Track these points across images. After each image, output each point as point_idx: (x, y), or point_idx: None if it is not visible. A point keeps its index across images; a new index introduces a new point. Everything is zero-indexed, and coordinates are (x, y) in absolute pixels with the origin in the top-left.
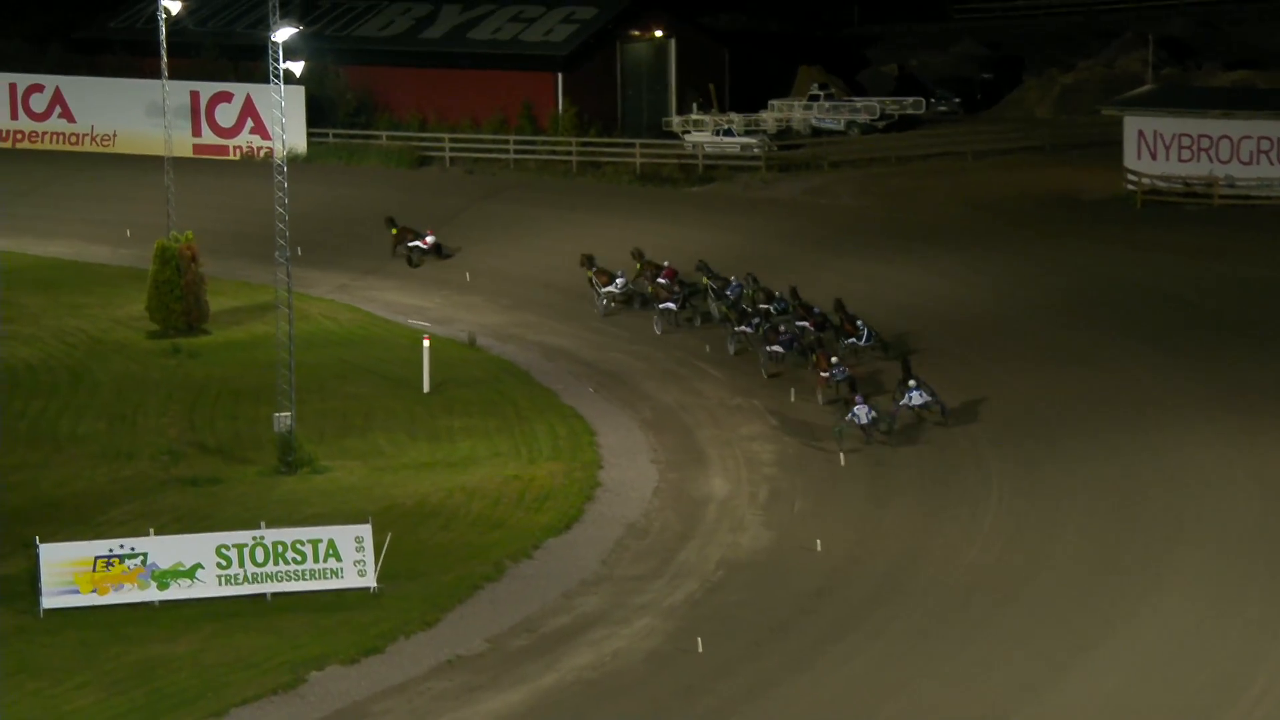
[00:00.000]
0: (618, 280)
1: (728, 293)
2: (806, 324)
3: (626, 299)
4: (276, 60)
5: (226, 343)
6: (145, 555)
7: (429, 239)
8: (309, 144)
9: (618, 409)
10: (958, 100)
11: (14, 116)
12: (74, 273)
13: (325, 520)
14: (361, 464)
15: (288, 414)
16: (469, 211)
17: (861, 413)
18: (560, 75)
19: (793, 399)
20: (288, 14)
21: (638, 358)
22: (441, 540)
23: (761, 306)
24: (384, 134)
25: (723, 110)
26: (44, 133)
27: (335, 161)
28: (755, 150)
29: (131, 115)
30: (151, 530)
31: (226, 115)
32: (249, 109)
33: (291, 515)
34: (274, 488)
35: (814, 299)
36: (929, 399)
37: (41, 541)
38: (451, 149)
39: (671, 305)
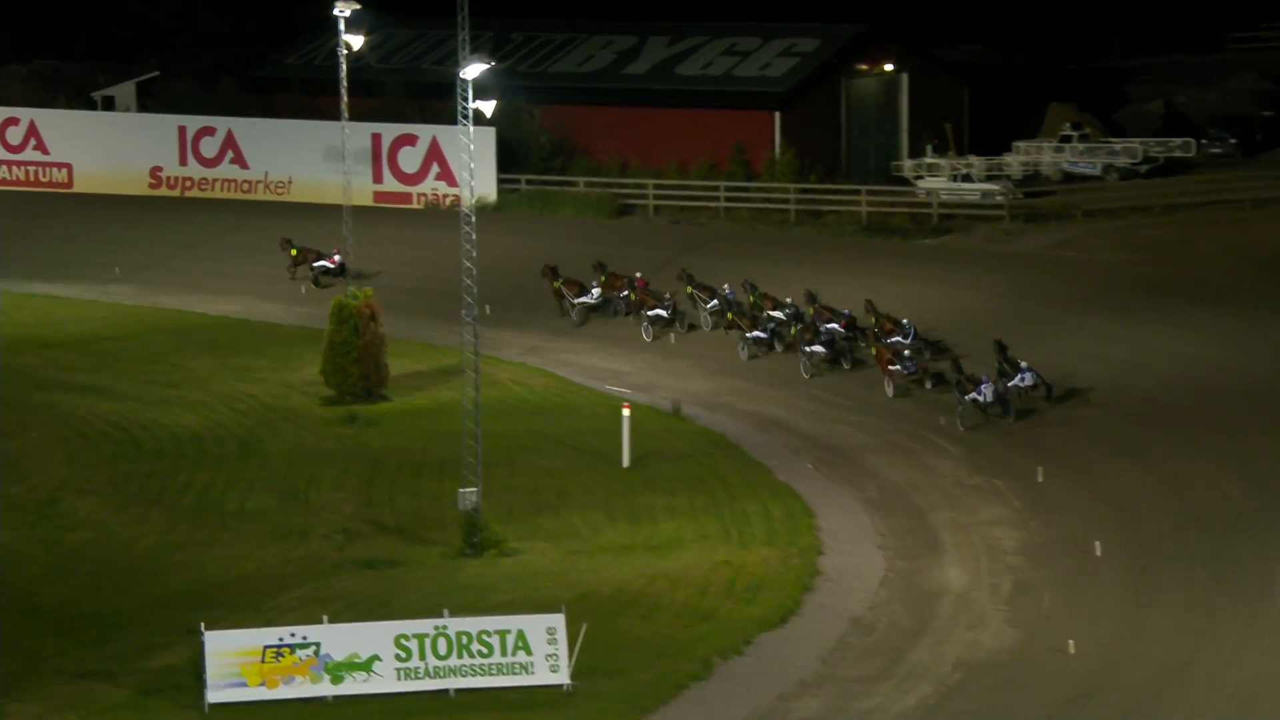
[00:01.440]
0: (593, 290)
1: (715, 301)
2: (835, 325)
3: (601, 308)
4: (465, 99)
5: (407, 410)
6: (318, 645)
7: (336, 258)
8: (499, 191)
9: (840, 487)
10: (1234, 141)
11: (183, 162)
12: (244, 333)
13: (514, 609)
14: (554, 546)
15: (474, 490)
16: (674, 265)
17: (988, 391)
18: (778, 114)
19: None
20: (478, 49)
21: (861, 429)
22: (642, 633)
23: (773, 313)
24: (581, 180)
25: (961, 153)
26: (215, 180)
27: (527, 211)
28: (998, 198)
29: (308, 160)
30: (325, 617)
31: (410, 160)
32: (434, 153)
33: (477, 602)
34: (458, 571)
35: (1058, 364)
36: (1038, 380)
37: (207, 629)
38: (656, 196)
39: (662, 312)
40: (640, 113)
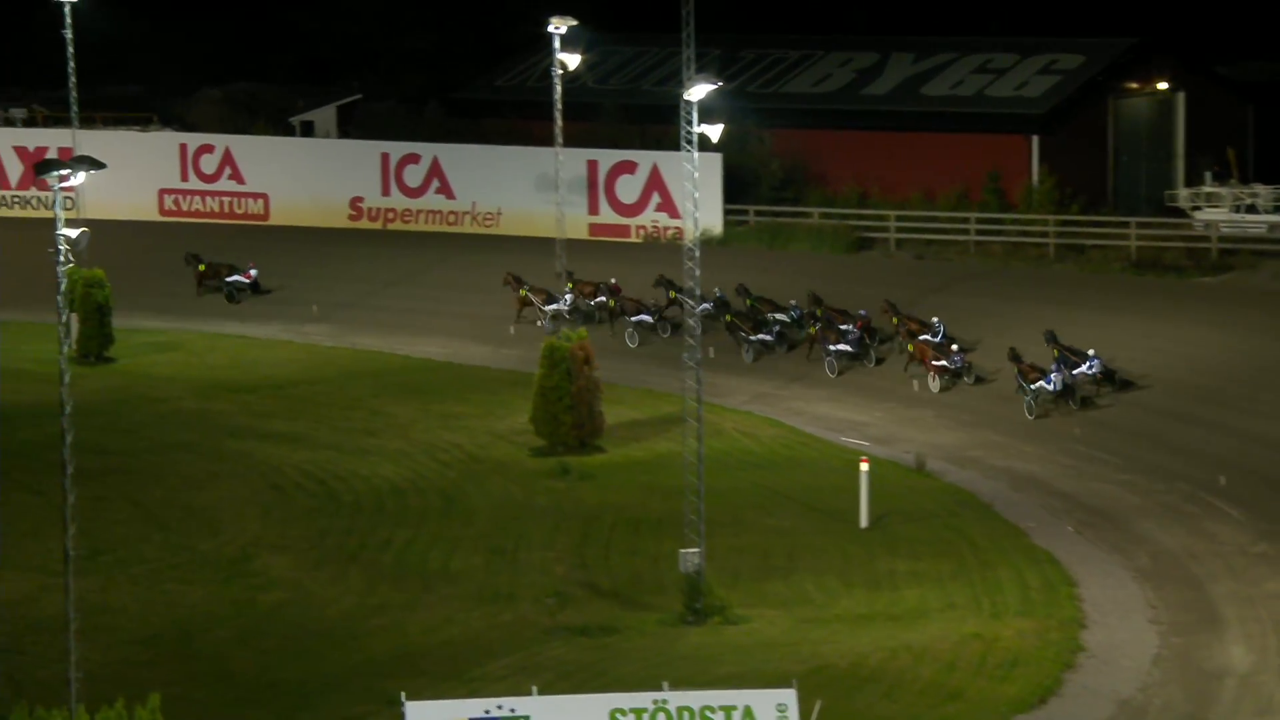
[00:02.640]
0: (565, 297)
1: (707, 305)
2: (850, 327)
3: (571, 316)
4: (689, 123)
5: (624, 462)
6: (527, 718)
7: (252, 273)
8: (725, 223)
9: (1104, 554)
10: None
11: (386, 192)
12: (449, 377)
13: (740, 682)
14: (784, 614)
15: (696, 551)
16: (919, 306)
17: (1056, 379)
18: (1036, 138)
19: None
20: (704, 68)
21: (1129, 488)
22: (883, 712)
23: (779, 316)
24: (815, 211)
25: (1245, 181)
26: (419, 211)
27: (756, 245)
28: None
29: (519, 189)
30: (535, 689)
31: (629, 189)
32: (655, 182)
33: (700, 675)
34: (679, 640)
35: None
36: (1104, 369)
37: (408, 699)
38: (898, 229)
39: (647, 318)
40: (881, 137)
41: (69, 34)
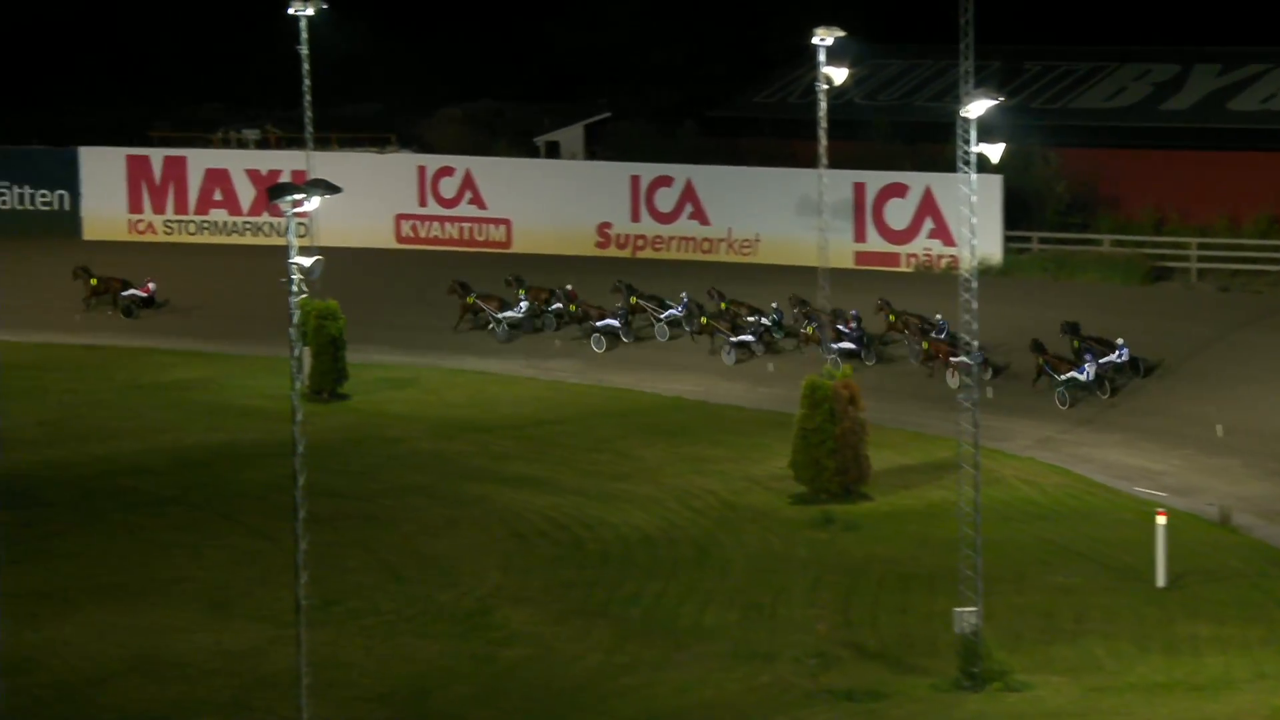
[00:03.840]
0: (521, 304)
1: (676, 310)
2: (850, 326)
3: (526, 324)
4: (967, 142)
5: (892, 512)
6: None
7: (150, 286)
8: (1005, 251)
9: None
10: None
11: (635, 217)
12: (701, 417)
13: None
14: (1071, 681)
15: (973, 610)
16: (1222, 343)
17: (1090, 369)
18: None
19: None
20: (983, 82)
21: None
22: None
23: (763, 320)
24: (1106, 239)
25: None
26: (670, 237)
27: (1039, 275)
28: None
29: (778, 214)
30: None
31: (899, 213)
32: (928, 206)
33: None
34: (954, 707)
35: None
36: (1132, 357)
37: None
38: (1200, 258)
39: (614, 322)
40: (1182, 156)
41: (304, 49)
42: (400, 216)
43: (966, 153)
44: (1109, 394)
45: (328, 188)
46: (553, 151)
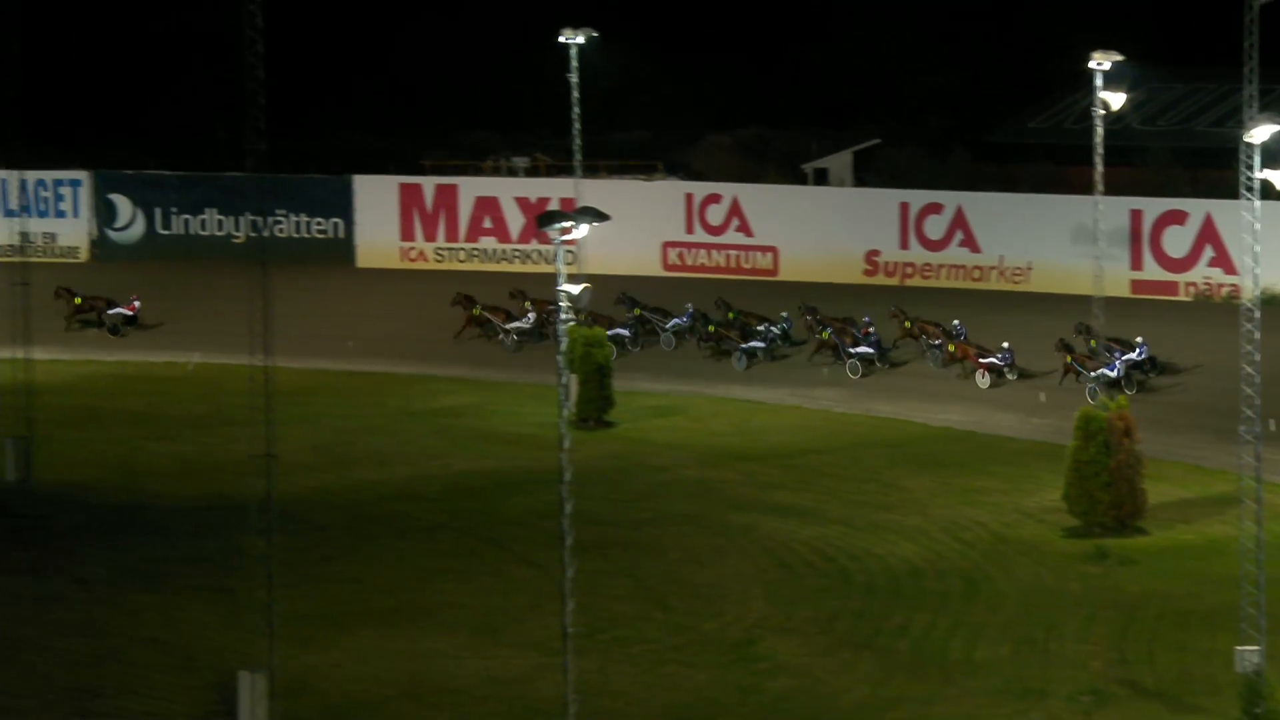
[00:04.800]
0: (529, 315)
1: (681, 320)
2: (866, 332)
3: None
4: (1250, 168)
5: (1170, 546)
6: None
7: (135, 304)
8: None
9: None
10: None
11: (904, 245)
12: (970, 447)
13: None
14: None
15: (1256, 649)
16: None
17: (1121, 366)
18: None
19: None
20: (1268, 106)
21: None
22: None
23: (771, 329)
24: None
25: None
26: (940, 265)
27: None
28: None
29: (1052, 242)
30: None
31: (1178, 241)
32: (1208, 233)
33: None
34: None
35: None
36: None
37: None
38: None
39: (624, 331)
40: None
41: (574, 77)
42: (667, 244)
43: (1250, 179)
44: (1135, 389)
45: (596, 215)
46: (821, 178)
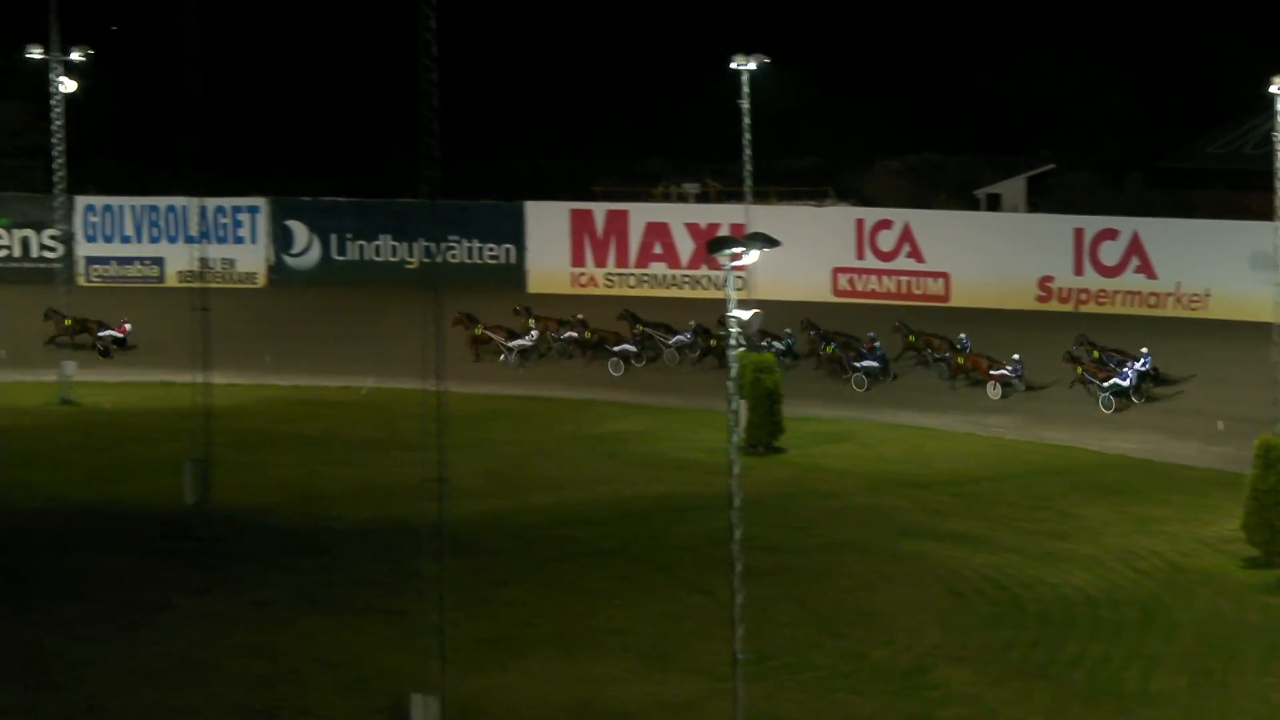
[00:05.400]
0: (531, 333)
1: (684, 336)
2: (871, 346)
3: (534, 351)
4: None
5: None
6: None
7: (126, 327)
8: None
9: None
10: None
11: (1079, 271)
12: (1147, 476)
13: None
14: None
15: None
16: None
17: (1133, 375)
18: None
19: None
20: None
21: None
22: None
23: (777, 344)
24: None
25: None
26: (1115, 292)
27: None
28: None
29: (1231, 269)
30: None
31: None
32: None
33: None
34: None
35: None
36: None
37: None
38: None
39: (631, 347)
40: None
41: (745, 104)
42: (838, 270)
43: None
44: (1145, 399)
45: (766, 241)
46: (993, 204)
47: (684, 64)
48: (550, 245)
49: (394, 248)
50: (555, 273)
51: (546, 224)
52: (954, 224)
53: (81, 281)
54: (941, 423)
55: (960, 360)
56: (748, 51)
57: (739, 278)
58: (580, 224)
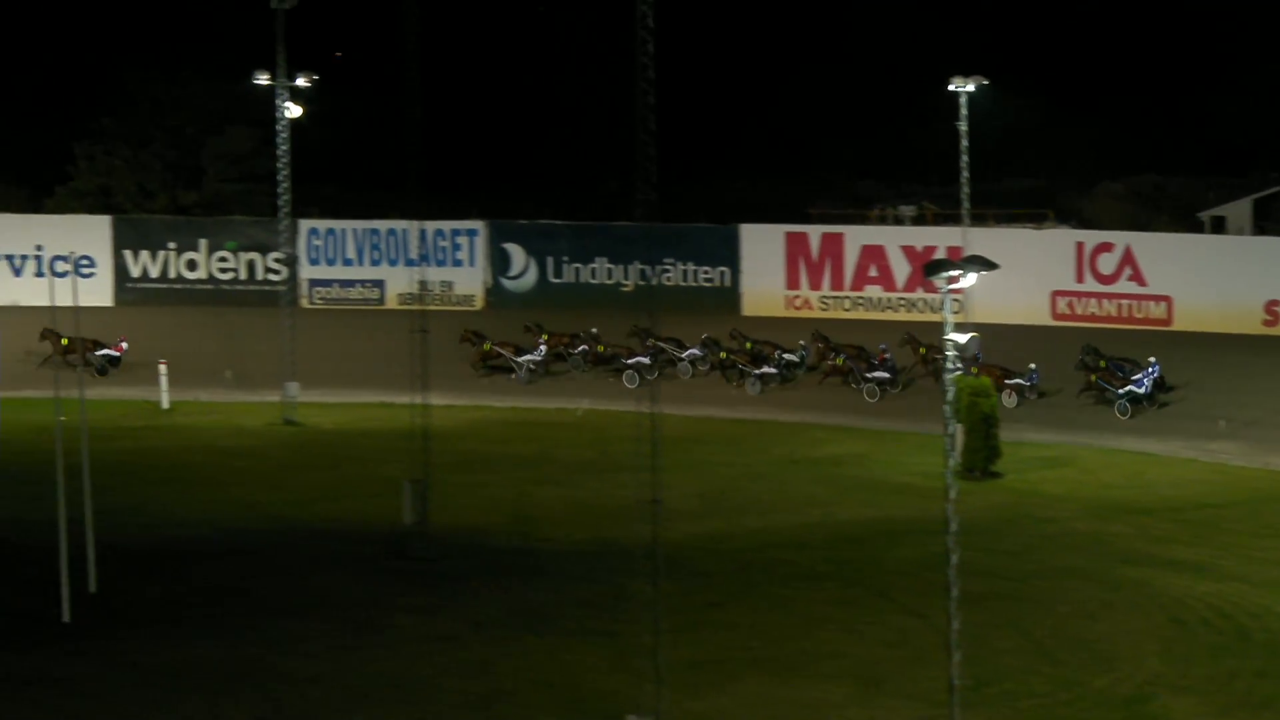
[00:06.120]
0: (540, 349)
1: (696, 350)
2: (882, 358)
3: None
4: None
5: None
6: None
7: (123, 345)
8: None
9: None
10: None
11: None
12: None
13: None
14: None
15: None
16: None
17: (1148, 382)
18: None
19: None
20: None
21: None
22: None
23: (787, 356)
24: None
25: None
26: None
27: None
28: None
29: None
30: None
31: None
32: None
33: None
34: None
35: None
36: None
37: None
38: None
39: (645, 360)
40: None
41: (963, 126)
42: (1056, 293)
43: None
44: (1158, 406)
45: (984, 264)
46: (1218, 227)
47: (901, 86)
48: (765, 268)
49: (609, 270)
50: (770, 295)
51: (761, 247)
52: (1178, 247)
53: (305, 304)
54: (1163, 448)
55: (974, 370)
56: (966, 73)
57: (956, 301)
58: (795, 247)
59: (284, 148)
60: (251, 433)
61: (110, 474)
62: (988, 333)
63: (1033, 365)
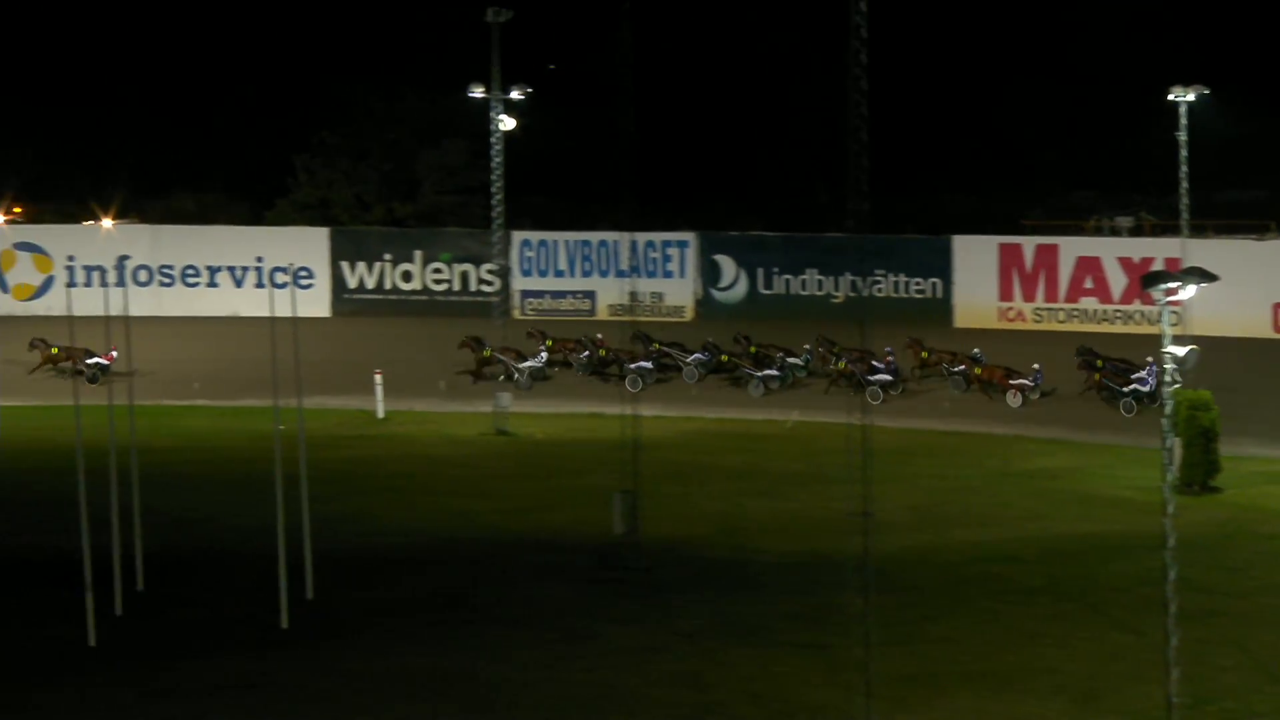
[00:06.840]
0: (542, 354)
1: (702, 355)
2: (884, 361)
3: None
4: None
5: None
6: None
7: (113, 354)
8: None
9: None
10: None
11: None
12: None
13: None
14: None
15: None
16: None
17: (1152, 380)
18: None
19: None
20: None
21: None
22: None
23: (792, 360)
24: None
25: None
26: None
27: None
28: None
29: None
30: None
31: None
32: None
33: None
34: None
35: None
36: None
37: None
38: None
39: (647, 365)
40: None
41: (1183, 135)
42: (1278, 305)
43: None
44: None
45: (1204, 276)
46: None
47: (1118, 95)
48: (978, 280)
49: (820, 281)
50: (982, 307)
51: (974, 258)
52: None
53: (516, 314)
54: None
55: (977, 371)
56: (1186, 83)
57: (1174, 313)
58: (1009, 258)
59: (498, 160)
60: (464, 442)
61: (325, 483)
62: (1206, 345)
63: (1036, 365)
